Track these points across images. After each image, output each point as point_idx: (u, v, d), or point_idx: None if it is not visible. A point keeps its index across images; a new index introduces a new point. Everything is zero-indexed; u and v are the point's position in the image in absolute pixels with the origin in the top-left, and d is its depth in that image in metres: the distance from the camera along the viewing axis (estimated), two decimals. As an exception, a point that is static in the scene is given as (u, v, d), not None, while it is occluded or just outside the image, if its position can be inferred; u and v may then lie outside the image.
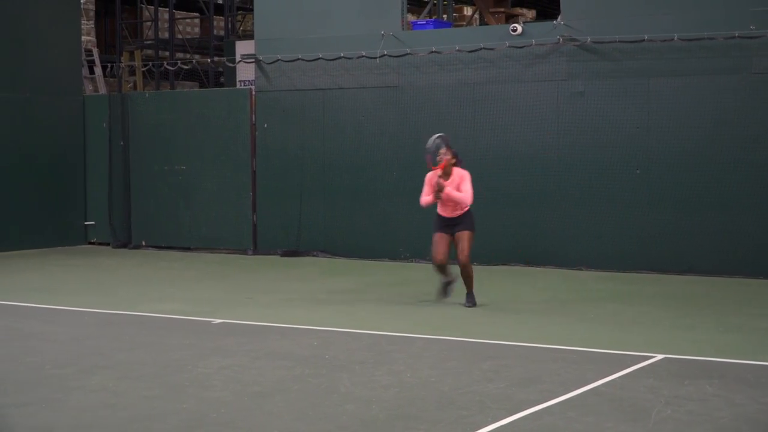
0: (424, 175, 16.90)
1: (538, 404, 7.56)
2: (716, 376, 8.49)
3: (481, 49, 16.48)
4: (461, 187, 12.18)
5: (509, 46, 16.29)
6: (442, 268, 12.33)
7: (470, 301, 12.38)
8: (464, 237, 12.18)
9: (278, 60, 18.11)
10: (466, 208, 12.25)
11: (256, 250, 18.47)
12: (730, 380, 8.37)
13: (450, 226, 12.25)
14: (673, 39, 15.07)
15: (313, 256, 17.85)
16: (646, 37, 15.22)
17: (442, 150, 12.21)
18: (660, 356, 9.28)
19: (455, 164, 12.27)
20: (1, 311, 12.29)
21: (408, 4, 18.21)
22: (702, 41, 14.95)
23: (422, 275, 15.63)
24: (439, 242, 12.27)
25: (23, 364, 9.16)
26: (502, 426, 7.02)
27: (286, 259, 17.79)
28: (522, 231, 16.28)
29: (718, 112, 14.96)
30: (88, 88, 21.92)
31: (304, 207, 17.99)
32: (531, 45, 16.12)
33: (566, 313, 11.93)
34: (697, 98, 15.07)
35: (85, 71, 21.77)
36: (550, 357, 9.39)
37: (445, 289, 12.54)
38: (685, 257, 15.13)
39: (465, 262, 12.16)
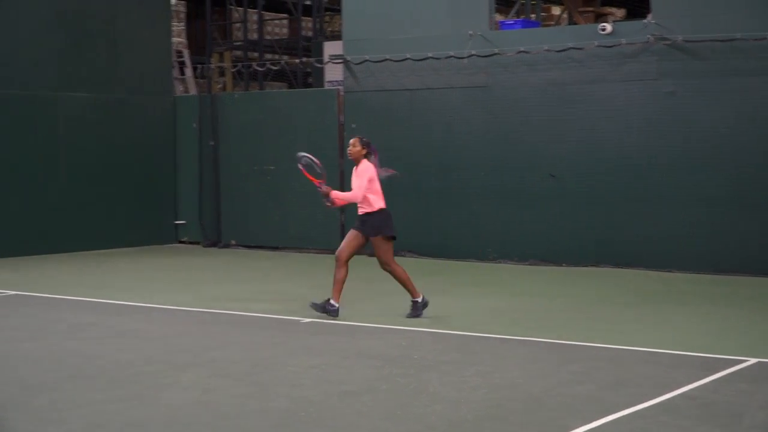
0: (511, 175, 16.91)
1: (629, 407, 7.48)
2: (811, 381, 8.35)
3: (569, 48, 16.36)
4: (353, 183, 11.57)
5: (598, 46, 16.14)
6: (338, 269, 11.42)
7: (414, 311, 11.55)
8: (375, 246, 11.53)
9: (366, 60, 18.17)
10: (369, 207, 11.45)
11: (344, 250, 18.51)
12: (826, 385, 8.22)
13: (360, 222, 11.56)
14: (765, 38, 14.80)
15: (401, 256, 17.82)
16: (738, 36, 14.98)
17: (352, 141, 11.69)
18: (753, 360, 9.13)
19: (366, 156, 11.64)
20: (94, 308, 12.51)
21: (496, 3, 18.15)
22: (797, 39, 14.70)
23: (509, 276, 15.59)
24: (347, 236, 11.58)
25: (117, 361, 9.32)
26: (592, 429, 6.97)
27: (374, 258, 17.77)
28: (611, 232, 16.10)
29: (814, 111, 14.70)
30: (179, 88, 22.20)
31: (391, 207, 17.92)
32: (620, 44, 15.95)
33: (656, 316, 11.79)
34: (791, 97, 14.81)
35: (176, 72, 22.07)
36: (641, 360, 9.29)
37: (323, 307, 11.45)
38: (779, 259, 14.87)
39: (385, 269, 11.61)
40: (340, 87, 19.19)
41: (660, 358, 9.31)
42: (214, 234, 20.12)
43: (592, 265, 16.10)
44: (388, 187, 18.01)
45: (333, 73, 21.58)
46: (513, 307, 12.46)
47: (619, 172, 16.00)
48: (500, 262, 16.86)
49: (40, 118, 18.62)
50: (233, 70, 25.21)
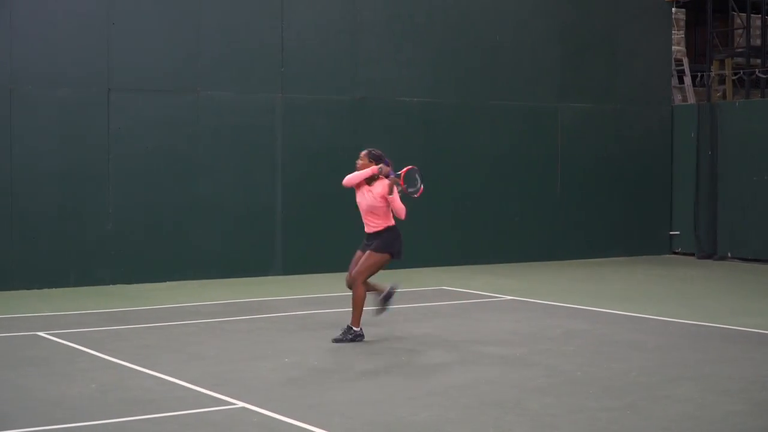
0: None
1: None
2: None
3: None
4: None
5: None
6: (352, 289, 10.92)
7: (341, 335, 10.83)
8: (365, 256, 10.77)
9: None
10: (383, 226, 10.78)
11: None
12: None
13: (367, 245, 10.91)
14: None
15: None
16: None
17: (361, 154, 10.89)
18: None
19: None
20: (588, 316, 12.70)
21: None
22: None
23: None
24: (354, 261, 10.97)
25: (610, 369, 9.42)
26: None
27: None
28: None
29: None
30: (677, 98, 21.99)
31: None
32: None
33: None
34: None
35: (674, 81, 21.89)
36: None
37: (384, 301, 11.09)
38: None
39: (350, 280, 10.85)
40: None
41: None
42: (710, 245, 19.70)
43: None
44: None
45: (842, 79, 20.45)
46: None
47: None
48: None
49: (541, 129, 19.20)
50: (734, 77, 24.59)
